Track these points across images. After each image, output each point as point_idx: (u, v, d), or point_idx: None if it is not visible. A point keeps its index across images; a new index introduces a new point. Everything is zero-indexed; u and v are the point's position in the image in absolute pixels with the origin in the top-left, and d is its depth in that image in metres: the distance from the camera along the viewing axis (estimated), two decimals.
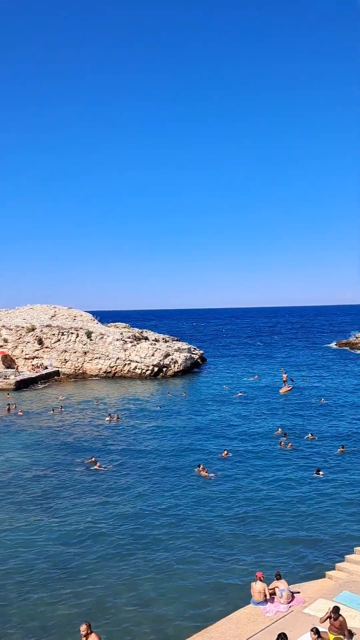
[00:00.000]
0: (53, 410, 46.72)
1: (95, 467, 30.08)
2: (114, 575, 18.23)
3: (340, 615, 12.95)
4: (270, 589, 15.66)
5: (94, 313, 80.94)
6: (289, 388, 56.43)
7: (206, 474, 28.41)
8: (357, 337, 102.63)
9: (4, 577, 18.23)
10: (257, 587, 15.58)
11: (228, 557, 19.52)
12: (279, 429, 37.57)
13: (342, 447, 33.02)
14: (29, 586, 17.62)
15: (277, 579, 15.92)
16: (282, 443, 34.43)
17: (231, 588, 17.35)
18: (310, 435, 36.45)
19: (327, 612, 13.31)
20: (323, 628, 13.08)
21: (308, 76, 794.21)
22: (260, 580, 15.72)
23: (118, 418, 43.07)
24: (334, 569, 17.65)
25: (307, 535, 21.23)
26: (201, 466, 29.32)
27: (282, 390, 55.70)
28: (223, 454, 32.17)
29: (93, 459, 31.26)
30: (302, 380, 61.42)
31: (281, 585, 15.68)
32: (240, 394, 53.50)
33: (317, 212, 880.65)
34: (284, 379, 58.39)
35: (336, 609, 13.06)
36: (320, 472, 28.45)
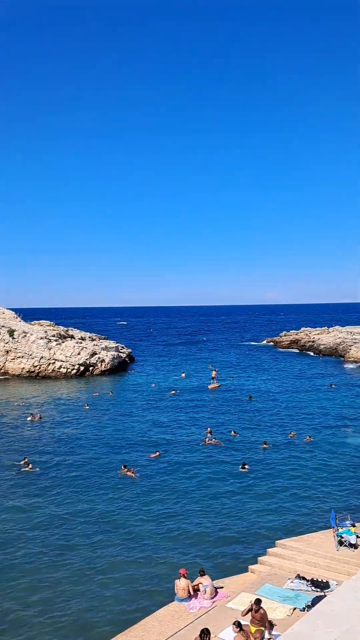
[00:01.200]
0: None
1: (27, 469, 28.93)
2: (35, 582, 17.58)
3: (261, 607, 13.17)
4: (194, 585, 15.68)
5: (16, 310, 78.22)
6: (217, 385, 57.29)
7: (132, 474, 28.08)
8: (281, 336, 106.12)
9: None
10: (181, 584, 15.56)
11: (152, 555, 19.38)
12: (208, 428, 37.75)
13: (265, 444, 33.84)
14: None
15: (201, 575, 15.98)
16: (207, 440, 34.75)
17: (155, 586, 17.23)
18: (233, 432, 37.04)
19: (249, 605, 13.49)
20: (245, 621, 13.23)
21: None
22: (184, 577, 15.72)
23: (40, 417, 41.84)
24: (257, 562, 17.97)
25: (230, 530, 21.49)
26: (124, 467, 28.92)
27: (210, 387, 56.52)
28: (155, 454, 31.84)
29: (26, 460, 30.08)
30: (229, 379, 62.44)
31: (205, 581, 15.75)
32: (174, 392, 53.67)
33: (245, 216, 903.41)
34: (213, 376, 59.22)
35: (257, 601, 13.28)
36: (246, 466, 28.99)
